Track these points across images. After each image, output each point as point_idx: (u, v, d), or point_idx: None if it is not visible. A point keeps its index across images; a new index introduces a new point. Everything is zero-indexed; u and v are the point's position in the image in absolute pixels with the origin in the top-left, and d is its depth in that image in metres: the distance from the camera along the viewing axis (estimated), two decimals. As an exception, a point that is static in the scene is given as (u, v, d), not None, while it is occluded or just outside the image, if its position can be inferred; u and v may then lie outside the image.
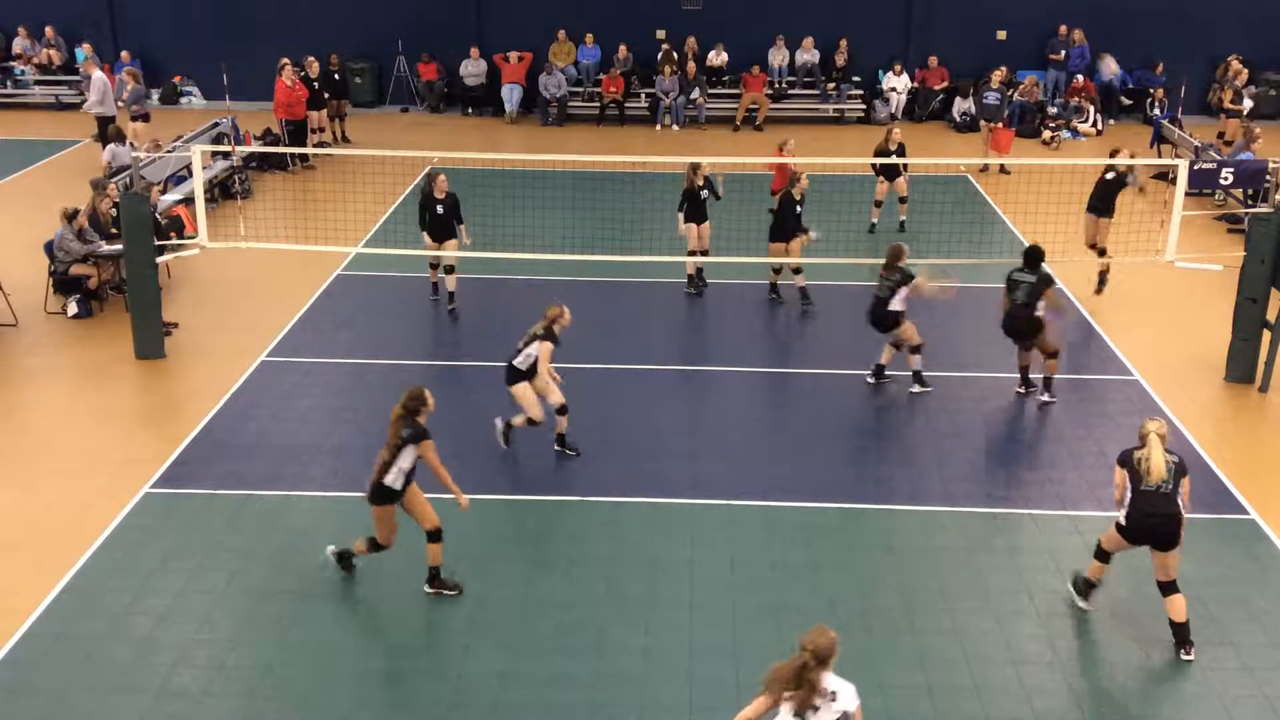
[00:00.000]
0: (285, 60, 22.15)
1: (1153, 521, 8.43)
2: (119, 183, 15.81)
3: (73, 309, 14.58)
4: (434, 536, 8.96)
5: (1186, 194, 13.33)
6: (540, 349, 10.86)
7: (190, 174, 15.91)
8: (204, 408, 12.20)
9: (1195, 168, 13.83)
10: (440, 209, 14.55)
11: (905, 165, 17.84)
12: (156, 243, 13.63)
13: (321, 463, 11.13)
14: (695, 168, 15.11)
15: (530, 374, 10.95)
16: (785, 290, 15.37)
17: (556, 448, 11.26)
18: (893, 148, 17.64)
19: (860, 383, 12.79)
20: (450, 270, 14.87)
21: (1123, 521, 8.61)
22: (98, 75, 21.93)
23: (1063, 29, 26.11)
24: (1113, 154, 15.45)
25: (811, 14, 26.58)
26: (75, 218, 14.68)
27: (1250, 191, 17.87)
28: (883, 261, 12.62)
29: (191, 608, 8.95)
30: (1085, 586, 9.06)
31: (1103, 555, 8.91)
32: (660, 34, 26.75)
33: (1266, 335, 12.80)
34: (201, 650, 8.47)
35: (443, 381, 12.89)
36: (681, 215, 15.23)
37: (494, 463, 11.12)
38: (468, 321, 14.69)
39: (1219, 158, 18.56)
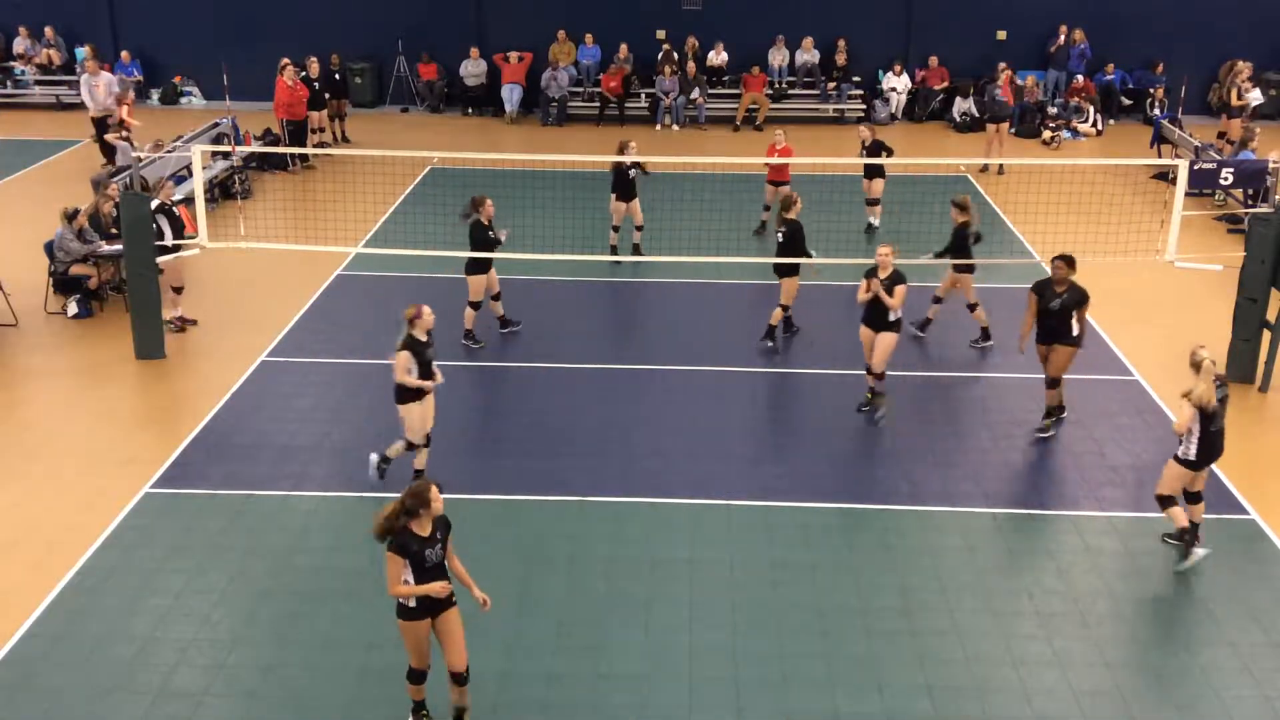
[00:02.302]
0: (286, 60, 22.15)
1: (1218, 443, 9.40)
2: (119, 182, 15.81)
3: (73, 309, 14.58)
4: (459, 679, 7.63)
5: (1186, 194, 13.32)
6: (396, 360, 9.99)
7: (190, 174, 15.90)
8: (204, 408, 12.20)
9: (1195, 168, 13.81)
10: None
11: (883, 165, 17.59)
12: (171, 241, 13.66)
13: (321, 463, 11.13)
14: (623, 148, 15.86)
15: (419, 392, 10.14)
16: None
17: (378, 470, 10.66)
18: (865, 145, 17.55)
19: (861, 383, 12.74)
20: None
21: (1193, 457, 9.32)
22: (106, 75, 21.91)
23: (1063, 29, 26.11)
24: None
25: (811, 14, 26.59)
26: (75, 218, 14.68)
27: (1250, 191, 17.87)
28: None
29: (191, 608, 8.95)
30: (1189, 534, 9.46)
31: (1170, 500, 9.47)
32: (660, 34, 26.75)
33: (1266, 335, 12.80)
34: (201, 650, 8.47)
35: (444, 381, 12.88)
36: (614, 195, 16.00)
37: (492, 462, 11.12)
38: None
39: (1219, 158, 18.55)
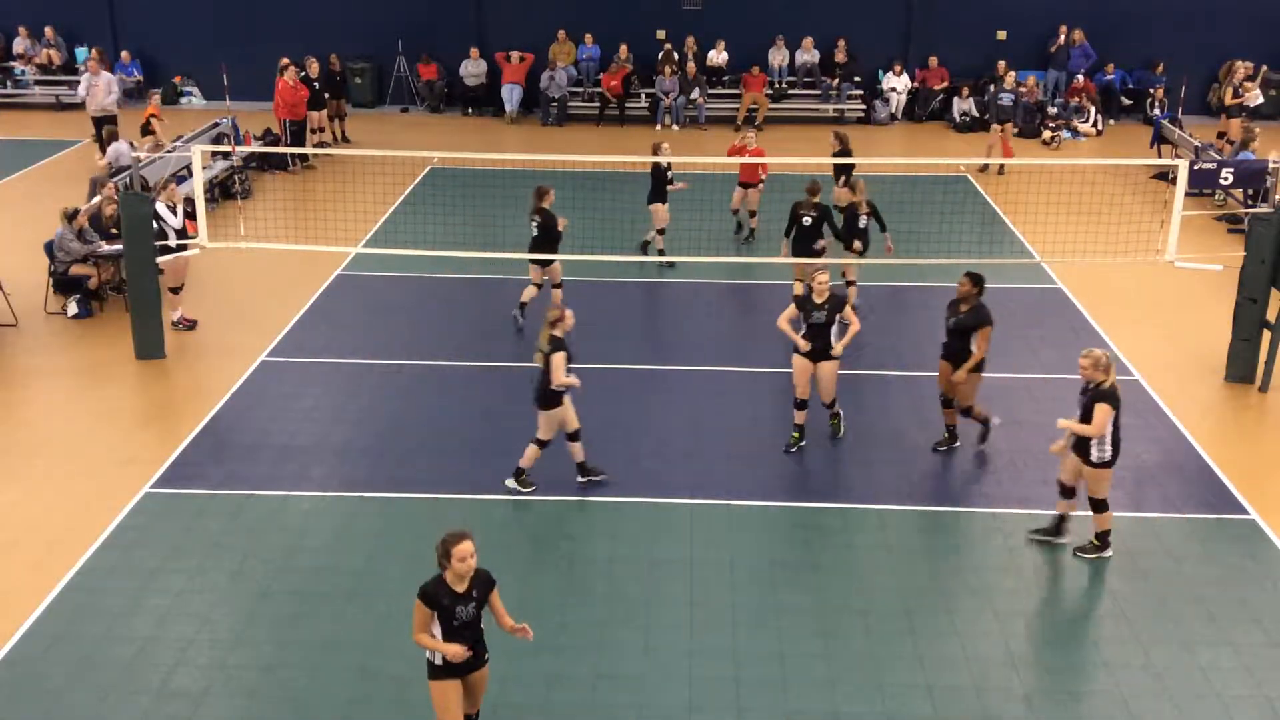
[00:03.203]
0: (287, 60, 22.15)
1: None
2: (119, 182, 15.81)
3: (73, 309, 14.58)
4: None
5: (1186, 194, 13.32)
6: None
7: (190, 174, 15.90)
8: (204, 408, 12.20)
9: (1195, 168, 13.81)
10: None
11: (847, 167, 17.14)
12: (175, 241, 13.68)
13: (322, 462, 11.13)
14: (656, 149, 15.94)
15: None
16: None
17: (580, 479, 10.77)
18: (834, 149, 17.21)
19: (860, 383, 12.75)
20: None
21: (1109, 456, 9.36)
22: (106, 75, 21.91)
23: (1062, 29, 26.11)
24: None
25: (811, 14, 26.59)
26: (75, 218, 14.68)
27: (1250, 191, 17.87)
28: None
29: (191, 608, 8.95)
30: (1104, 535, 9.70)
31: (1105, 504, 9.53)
32: (660, 34, 26.75)
33: (1266, 335, 12.79)
34: (201, 650, 8.47)
35: (444, 382, 12.91)
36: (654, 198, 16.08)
37: (493, 463, 11.12)
38: (468, 322, 14.69)
39: (1219, 158, 18.56)
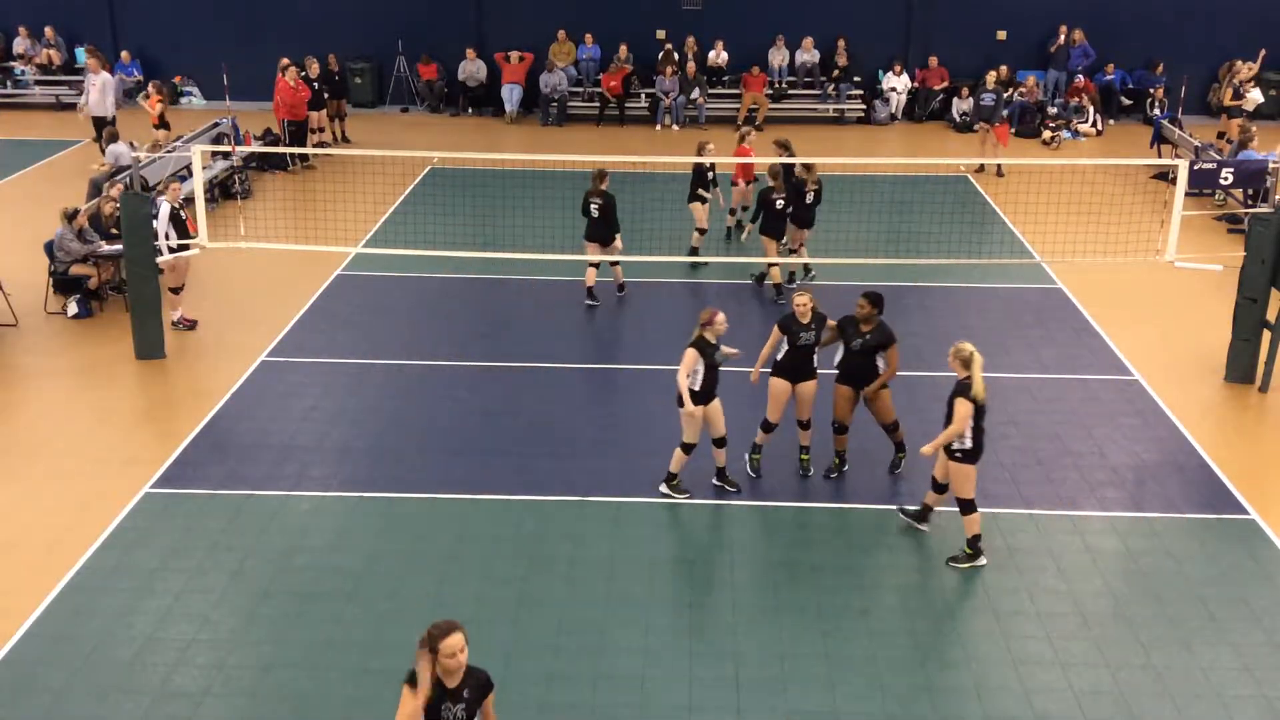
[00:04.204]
0: (287, 60, 22.14)
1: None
2: (121, 181, 15.80)
3: (73, 309, 14.58)
4: None
5: (1186, 194, 13.33)
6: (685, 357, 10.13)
7: (190, 174, 15.90)
8: (204, 408, 12.20)
9: (1195, 168, 13.81)
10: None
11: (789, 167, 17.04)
12: (176, 241, 13.67)
13: (321, 463, 11.13)
14: (701, 148, 16.12)
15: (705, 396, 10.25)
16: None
17: (715, 482, 10.79)
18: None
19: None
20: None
21: (969, 446, 9.43)
22: (106, 75, 21.90)
23: (1062, 29, 26.12)
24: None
25: (811, 14, 26.59)
26: (75, 217, 14.68)
27: (1250, 191, 17.87)
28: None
29: (191, 608, 8.95)
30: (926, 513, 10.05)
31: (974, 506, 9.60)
32: (660, 34, 26.75)
33: (1266, 335, 12.79)
34: (201, 650, 8.47)
35: (444, 382, 12.91)
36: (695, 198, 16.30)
37: (492, 463, 11.12)
38: (468, 322, 14.69)
39: (1219, 158, 18.55)
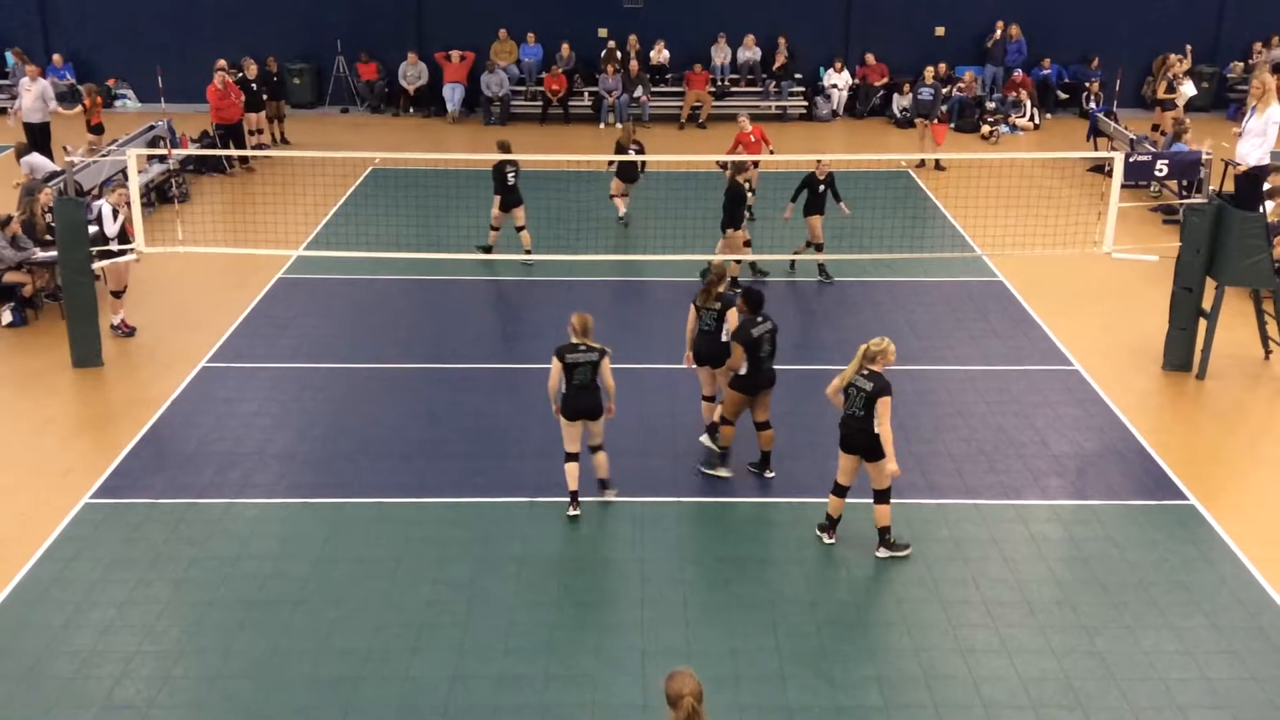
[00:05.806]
0: (221, 62, 21.83)
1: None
2: (54, 187, 15.50)
3: (7, 317, 14.29)
4: None
5: (1122, 186, 13.53)
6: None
7: (125, 178, 15.63)
8: (144, 416, 12.00)
9: (1131, 160, 14.03)
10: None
11: (643, 164, 17.72)
12: (118, 246, 13.44)
13: (265, 469, 10.99)
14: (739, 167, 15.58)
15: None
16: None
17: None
18: (631, 146, 17.57)
19: (810, 379, 12.76)
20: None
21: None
22: (44, 82, 21.35)
23: (999, 24, 26.44)
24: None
25: (752, 12, 26.72)
26: (8, 225, 14.39)
27: (1185, 183, 18.18)
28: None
29: (135, 619, 8.80)
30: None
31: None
32: (602, 32, 26.74)
33: (1203, 324, 13.03)
34: (146, 662, 8.34)
35: (390, 385, 12.81)
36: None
37: (438, 464, 11.05)
38: (413, 324, 14.58)
39: (1154, 150, 18.86)
